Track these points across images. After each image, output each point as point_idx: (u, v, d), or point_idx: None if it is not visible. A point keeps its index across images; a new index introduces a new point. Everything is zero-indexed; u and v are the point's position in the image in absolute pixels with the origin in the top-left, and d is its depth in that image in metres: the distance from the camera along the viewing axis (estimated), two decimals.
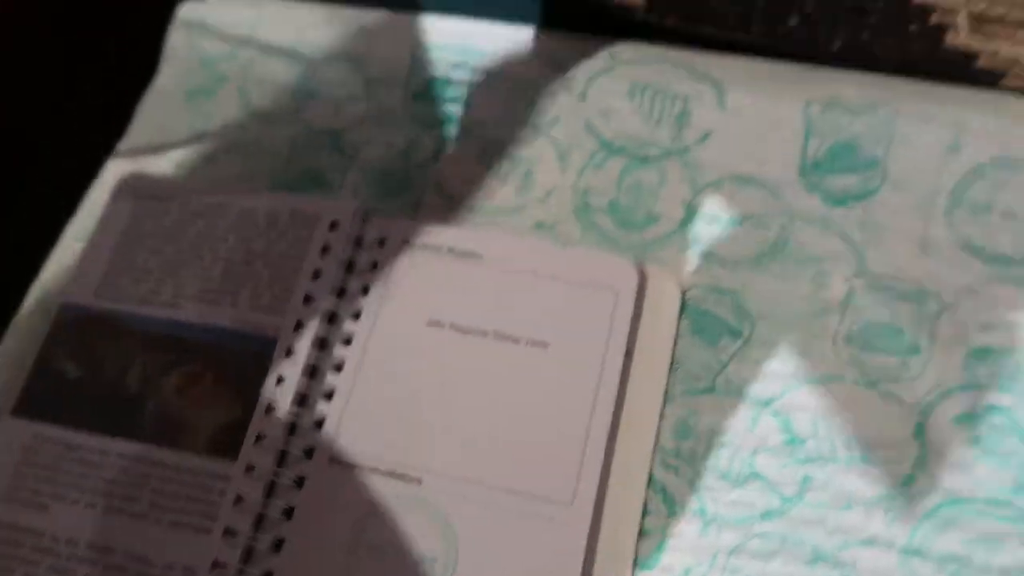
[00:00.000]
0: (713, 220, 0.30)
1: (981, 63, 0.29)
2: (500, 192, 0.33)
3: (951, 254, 0.28)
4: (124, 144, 0.37)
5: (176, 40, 0.38)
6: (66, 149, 0.40)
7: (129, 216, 0.33)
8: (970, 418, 0.26)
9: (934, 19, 0.28)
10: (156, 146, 0.36)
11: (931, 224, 0.29)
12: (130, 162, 0.36)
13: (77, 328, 0.31)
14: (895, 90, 0.30)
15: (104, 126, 0.38)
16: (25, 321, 0.33)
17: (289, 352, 0.29)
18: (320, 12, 0.37)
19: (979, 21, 0.27)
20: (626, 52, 0.33)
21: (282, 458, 0.28)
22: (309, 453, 0.28)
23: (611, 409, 0.28)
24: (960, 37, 0.28)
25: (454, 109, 0.34)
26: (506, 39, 0.35)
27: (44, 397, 0.30)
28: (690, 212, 0.31)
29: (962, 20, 0.27)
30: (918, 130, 0.29)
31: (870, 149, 0.30)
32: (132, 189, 0.34)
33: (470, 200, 0.33)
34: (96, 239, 0.33)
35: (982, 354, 0.27)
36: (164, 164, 0.36)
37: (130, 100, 0.38)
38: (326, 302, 0.30)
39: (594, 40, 0.34)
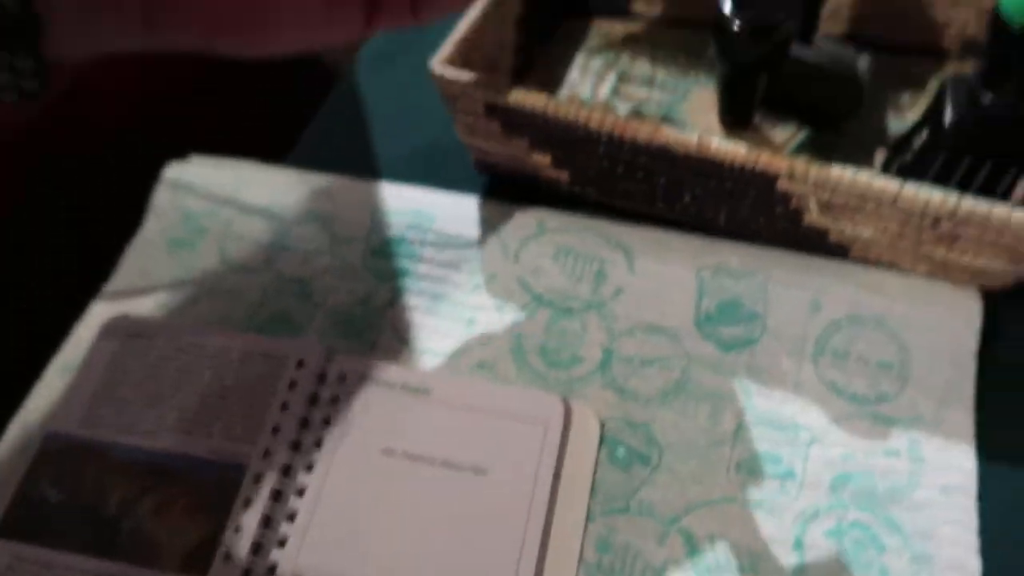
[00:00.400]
0: (626, 362, 0.36)
1: (832, 238, 0.36)
2: (447, 336, 0.38)
3: (818, 393, 0.35)
4: (109, 287, 0.41)
5: (162, 196, 0.44)
6: (48, 292, 0.44)
7: (114, 353, 0.37)
8: (837, 533, 0.32)
9: (793, 203, 0.35)
10: (139, 290, 0.41)
11: (802, 368, 0.35)
12: (113, 304, 0.40)
13: (61, 455, 0.34)
14: (768, 259, 0.37)
15: (85, 273, 0.43)
16: (8, 449, 0.36)
17: (257, 478, 0.33)
18: (294, 177, 0.43)
19: (826, 207, 0.35)
20: (553, 221, 0.40)
21: (248, 575, 0.31)
22: (272, 570, 0.32)
23: (541, 527, 0.32)
24: (813, 217, 0.35)
25: (407, 264, 0.40)
26: (453, 206, 0.41)
27: (25, 519, 0.33)
28: (607, 355, 0.36)
29: (813, 205, 0.35)
30: (787, 292, 0.36)
31: (751, 306, 0.37)
32: (117, 328, 0.38)
33: (420, 342, 0.38)
34: (82, 373, 0.37)
35: (844, 478, 0.33)
36: (146, 306, 0.40)
37: (108, 251, 0.43)
38: (292, 433, 0.34)
39: (526, 209, 0.41)
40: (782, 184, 0.34)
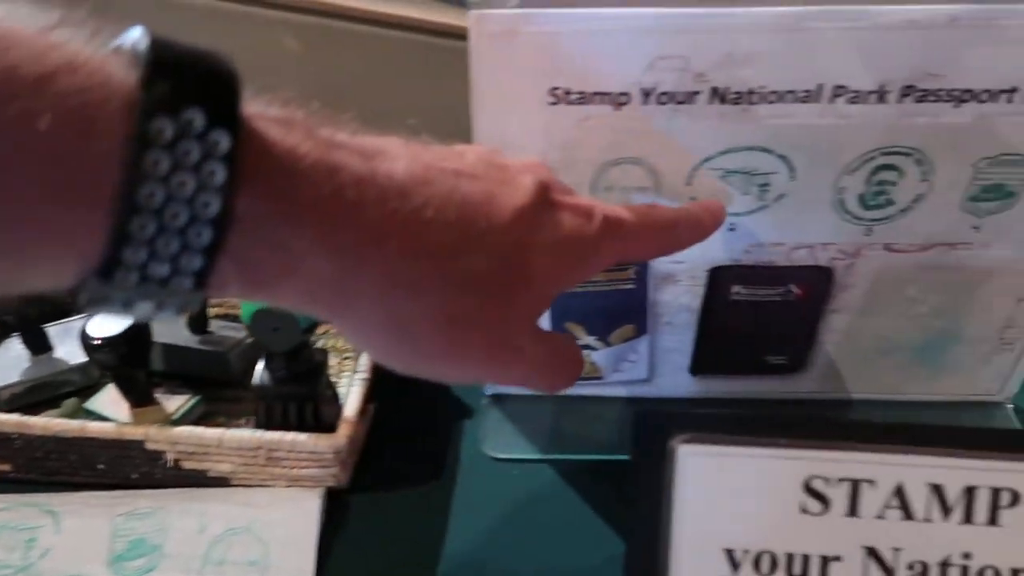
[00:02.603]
0: None
1: (211, 475, 0.48)
2: None
3: None
4: None
5: None
6: None
7: None
8: None
9: (166, 456, 0.47)
10: None
11: None
12: None
13: None
14: (169, 498, 0.48)
15: None
16: None
17: None
18: None
19: (189, 455, 0.46)
20: None
21: None
22: None
23: None
24: (185, 464, 0.47)
25: None
26: None
27: None
28: None
29: (172, 456, 0.46)
30: (181, 522, 0.47)
31: (153, 539, 0.46)
32: None
33: None
34: None
35: None
36: None
37: None
38: None
39: None
40: (150, 444, 0.45)
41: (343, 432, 0.45)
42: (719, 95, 0.39)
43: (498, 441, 0.53)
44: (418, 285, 0.26)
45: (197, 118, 0.21)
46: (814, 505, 0.36)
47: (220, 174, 0.21)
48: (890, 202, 0.43)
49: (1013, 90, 0.38)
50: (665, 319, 0.50)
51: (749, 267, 0.47)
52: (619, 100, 0.39)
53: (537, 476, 0.51)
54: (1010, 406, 0.53)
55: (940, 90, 0.38)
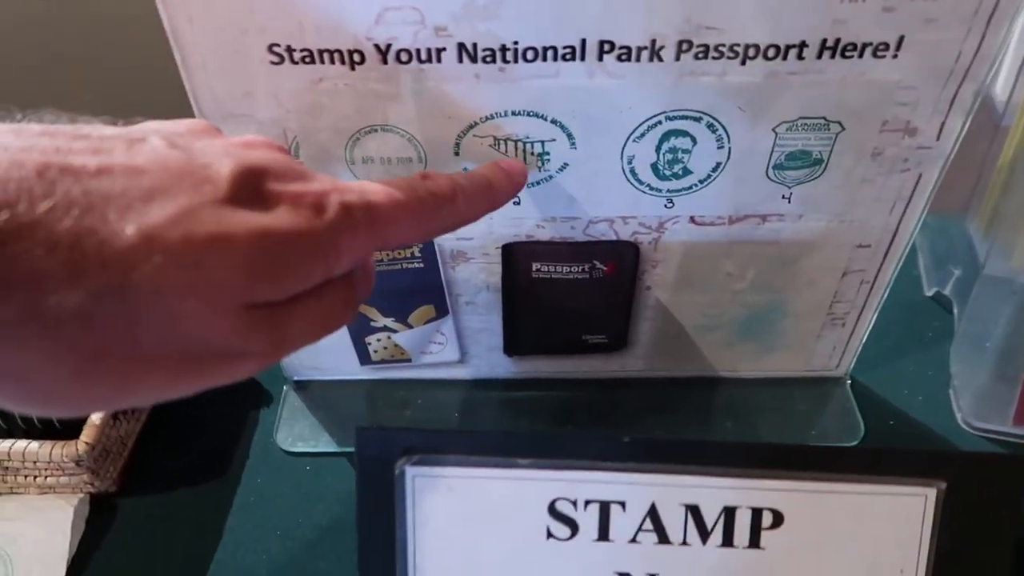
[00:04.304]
0: None
1: None
2: None
3: None
4: None
5: None
6: None
7: None
8: None
9: None
10: None
11: None
12: None
13: None
14: None
15: None
16: None
17: None
18: None
19: None
20: None
21: None
22: None
23: None
24: None
25: None
26: None
27: None
28: None
29: None
30: None
31: None
32: None
33: None
34: None
35: None
36: None
37: None
38: None
39: None
40: None
41: (84, 438, 0.40)
42: (468, 52, 0.33)
43: (293, 433, 0.48)
44: (12, 332, 0.20)
45: None
46: (561, 530, 0.32)
47: None
48: (687, 171, 0.37)
49: (803, 45, 0.32)
50: (465, 299, 0.45)
51: (545, 243, 0.41)
52: (353, 59, 0.33)
53: (331, 471, 0.46)
54: (848, 382, 0.49)
55: (721, 45, 0.32)
